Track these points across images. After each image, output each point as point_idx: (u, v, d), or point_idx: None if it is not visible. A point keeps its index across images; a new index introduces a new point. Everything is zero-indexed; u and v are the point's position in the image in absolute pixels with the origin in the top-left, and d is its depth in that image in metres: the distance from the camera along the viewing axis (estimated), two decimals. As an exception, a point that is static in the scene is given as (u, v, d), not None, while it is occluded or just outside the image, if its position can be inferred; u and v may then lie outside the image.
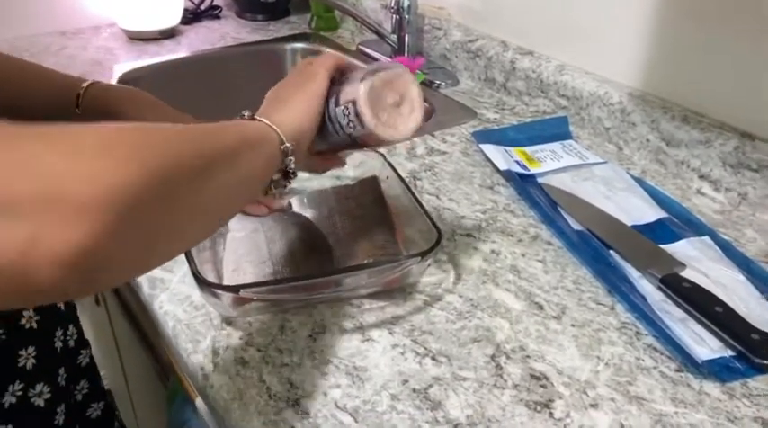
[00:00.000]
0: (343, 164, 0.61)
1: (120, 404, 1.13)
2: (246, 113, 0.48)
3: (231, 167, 0.39)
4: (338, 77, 0.53)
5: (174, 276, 0.61)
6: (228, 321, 0.56)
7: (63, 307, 0.68)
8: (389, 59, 1.05)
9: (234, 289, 0.51)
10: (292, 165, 0.47)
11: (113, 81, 1.03)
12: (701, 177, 0.76)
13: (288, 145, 0.46)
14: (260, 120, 0.47)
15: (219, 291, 0.51)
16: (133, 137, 0.32)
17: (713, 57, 0.75)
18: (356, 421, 0.47)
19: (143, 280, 0.61)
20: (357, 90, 0.49)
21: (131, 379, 1.08)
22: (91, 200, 0.28)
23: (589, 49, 0.89)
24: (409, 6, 1.05)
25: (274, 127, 0.46)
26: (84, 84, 0.65)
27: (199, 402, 0.55)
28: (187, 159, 0.35)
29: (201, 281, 0.51)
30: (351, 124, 0.51)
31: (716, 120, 0.76)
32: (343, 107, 0.50)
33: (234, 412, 0.48)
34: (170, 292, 0.59)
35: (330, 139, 0.54)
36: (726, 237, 0.68)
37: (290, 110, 0.49)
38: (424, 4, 1.11)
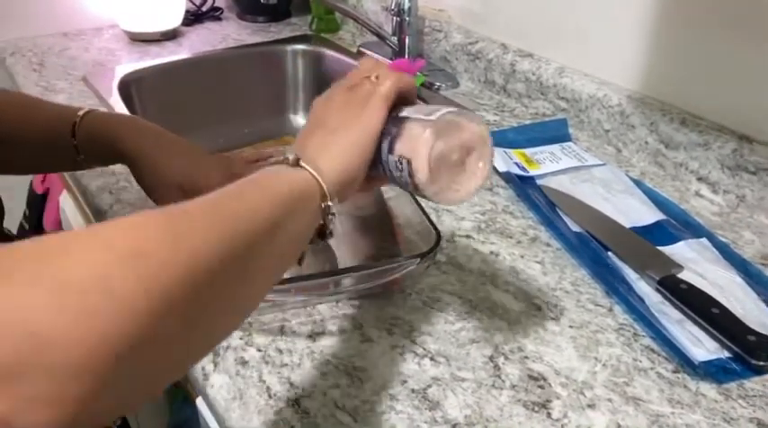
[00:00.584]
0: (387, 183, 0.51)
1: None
2: (290, 157, 0.41)
3: (269, 246, 0.33)
4: (397, 105, 0.46)
5: (175, 276, 0.61)
6: (229, 321, 0.56)
7: None
8: (391, 60, 1.06)
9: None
10: (331, 226, 0.41)
11: (115, 82, 1.04)
12: (700, 179, 0.77)
13: (330, 204, 0.40)
14: (304, 168, 0.40)
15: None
16: (146, 243, 0.26)
17: (712, 61, 0.75)
18: (355, 421, 0.48)
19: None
20: (416, 147, 0.42)
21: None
22: (77, 365, 0.22)
23: (589, 51, 0.89)
24: (410, 8, 1.05)
25: (319, 178, 0.40)
26: (80, 113, 0.61)
27: (199, 401, 0.56)
28: (216, 260, 0.29)
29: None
30: (403, 180, 0.44)
31: (714, 123, 0.76)
32: (397, 160, 0.43)
33: (234, 411, 0.49)
34: (171, 293, 0.60)
35: (376, 173, 0.47)
36: (724, 239, 0.68)
37: (336, 151, 0.42)
38: (424, 6, 1.12)
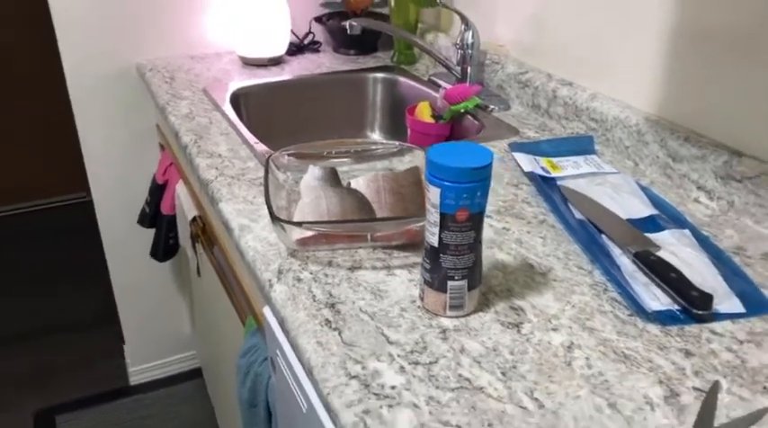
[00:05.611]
0: None
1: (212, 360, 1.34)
2: None
3: None
4: None
5: (258, 225, 0.82)
6: (292, 253, 0.76)
7: None
8: (452, 86, 1.24)
9: (297, 223, 0.70)
10: None
11: (228, 94, 1.28)
12: (699, 188, 0.89)
13: None
14: None
15: (287, 225, 0.71)
16: None
17: (712, 87, 0.88)
18: (372, 319, 0.65)
19: (235, 226, 0.82)
20: None
21: (221, 334, 1.30)
22: None
23: (615, 80, 1.04)
24: (473, 43, 1.24)
25: None
26: None
27: (266, 310, 0.75)
28: None
29: (274, 217, 0.71)
30: None
31: (713, 140, 0.89)
32: None
33: (287, 307, 0.67)
34: (253, 234, 0.80)
35: None
36: (706, 233, 0.81)
37: None
38: (487, 41, 1.30)
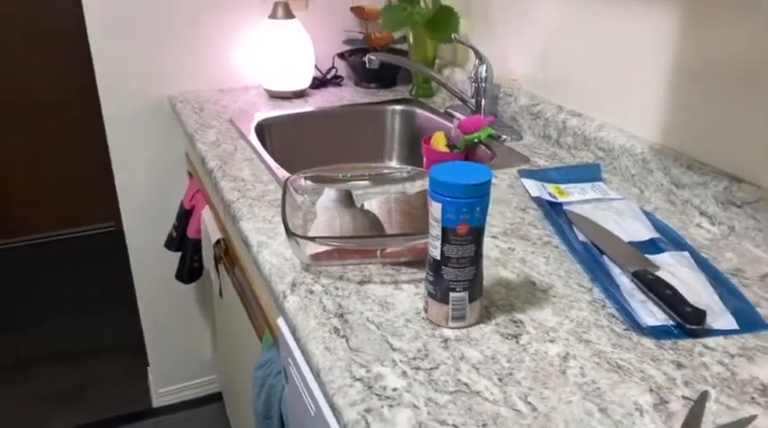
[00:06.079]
0: None
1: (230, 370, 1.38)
2: None
3: None
4: None
5: (275, 241, 0.87)
6: (306, 268, 0.80)
7: None
8: (466, 117, 1.29)
9: (311, 238, 0.75)
10: None
11: (253, 124, 1.35)
12: (701, 213, 0.92)
13: None
14: None
15: (301, 240, 0.76)
16: None
17: (712, 118, 0.92)
18: (378, 329, 0.69)
19: (254, 243, 0.87)
20: None
21: (240, 353, 1.34)
22: None
23: (621, 111, 1.08)
24: (486, 77, 1.29)
25: None
26: None
27: (280, 321, 0.79)
28: None
29: (290, 232, 0.75)
30: None
31: (714, 167, 0.92)
32: None
33: (299, 316, 0.71)
34: (270, 250, 0.85)
35: None
36: (705, 256, 0.83)
37: None
38: (500, 75, 1.35)
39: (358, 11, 1.62)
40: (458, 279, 0.67)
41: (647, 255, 0.82)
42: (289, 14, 1.49)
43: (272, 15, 1.49)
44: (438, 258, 0.67)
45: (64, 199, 2.90)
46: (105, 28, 1.48)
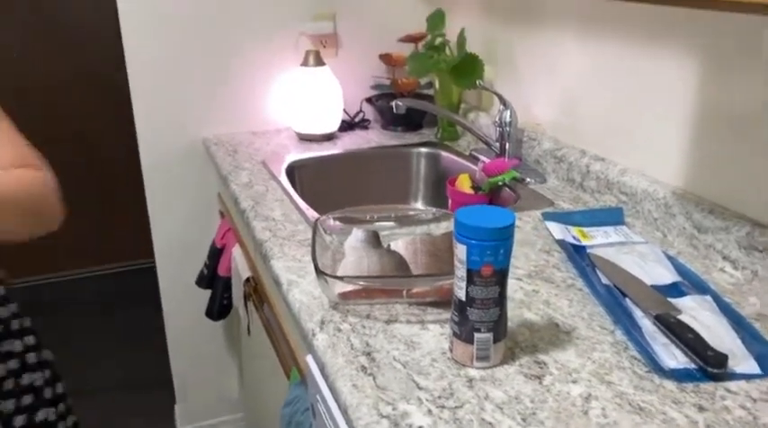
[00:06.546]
0: None
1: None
2: None
3: None
4: None
5: (304, 280, 0.90)
6: (334, 306, 0.83)
7: None
8: (490, 160, 1.33)
9: (339, 277, 0.78)
10: None
11: (284, 166, 1.40)
12: (724, 258, 0.93)
13: None
14: None
15: (330, 279, 0.79)
16: None
17: (732, 163, 0.94)
18: (404, 367, 0.71)
19: (284, 281, 0.90)
20: None
21: (267, 391, 1.36)
22: None
23: (644, 156, 1.10)
24: (510, 122, 1.33)
25: None
26: None
27: (309, 359, 0.81)
28: None
29: (319, 271, 0.78)
30: None
31: (736, 212, 0.93)
32: None
33: (327, 354, 0.74)
34: (300, 288, 0.88)
35: None
36: (728, 300, 0.84)
37: None
38: (525, 121, 1.39)
39: (386, 58, 1.68)
40: (482, 320, 0.69)
41: (669, 299, 0.84)
42: (319, 62, 1.56)
43: (304, 63, 1.56)
44: (463, 299, 0.69)
45: (98, 235, 2.98)
46: (144, 70, 1.56)
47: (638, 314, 0.81)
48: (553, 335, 0.77)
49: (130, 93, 1.57)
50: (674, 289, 0.86)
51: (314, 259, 0.81)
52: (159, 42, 1.55)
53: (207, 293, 1.64)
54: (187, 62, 1.58)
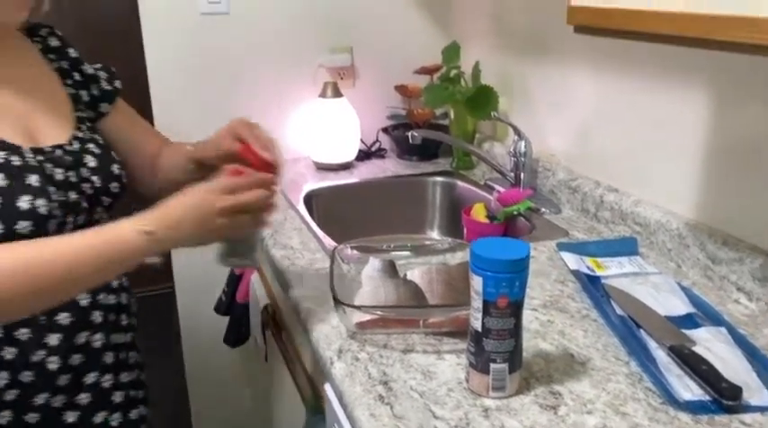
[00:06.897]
0: None
1: None
2: (146, 229, 0.75)
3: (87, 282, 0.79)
4: None
5: (322, 309, 0.92)
6: (352, 336, 0.84)
7: None
8: (505, 190, 1.34)
9: (357, 306, 0.80)
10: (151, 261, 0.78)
11: (302, 195, 1.42)
12: (738, 289, 0.94)
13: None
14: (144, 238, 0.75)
15: (348, 309, 0.81)
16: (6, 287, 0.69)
17: (746, 194, 0.95)
18: (421, 397, 0.72)
19: (303, 309, 0.92)
20: None
21: (284, 419, 1.37)
22: None
23: (658, 187, 1.11)
24: (525, 152, 1.35)
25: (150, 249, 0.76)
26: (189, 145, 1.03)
27: (327, 387, 0.83)
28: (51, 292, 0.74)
29: (337, 301, 0.80)
30: None
31: (749, 243, 0.94)
32: None
33: (345, 383, 0.75)
34: (318, 317, 0.90)
35: None
36: (743, 332, 0.85)
37: (172, 245, 0.82)
38: (540, 151, 1.41)
39: (402, 89, 1.71)
40: (498, 350, 0.70)
41: (683, 330, 0.84)
42: (337, 93, 1.59)
43: (322, 94, 1.59)
44: (479, 330, 0.70)
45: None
46: (165, 99, 1.60)
47: (652, 345, 0.82)
48: (568, 366, 0.78)
49: (153, 124, 1.61)
50: (689, 321, 0.87)
51: (332, 289, 0.83)
52: (182, 74, 1.60)
53: (224, 319, 1.66)
54: (208, 92, 1.63)
